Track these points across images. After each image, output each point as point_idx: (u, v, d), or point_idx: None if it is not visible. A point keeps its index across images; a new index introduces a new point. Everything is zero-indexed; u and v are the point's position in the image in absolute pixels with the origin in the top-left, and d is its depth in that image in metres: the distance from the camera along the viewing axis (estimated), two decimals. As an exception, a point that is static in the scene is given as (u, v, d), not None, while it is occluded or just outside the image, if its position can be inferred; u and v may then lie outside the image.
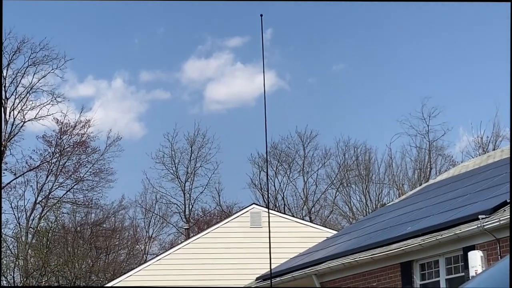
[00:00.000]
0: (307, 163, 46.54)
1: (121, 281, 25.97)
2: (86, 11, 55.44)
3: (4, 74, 38.32)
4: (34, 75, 38.98)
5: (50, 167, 40.07)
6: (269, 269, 19.73)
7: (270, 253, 10.78)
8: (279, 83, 55.58)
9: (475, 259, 12.65)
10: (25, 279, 36.49)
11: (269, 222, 24.81)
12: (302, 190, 46.37)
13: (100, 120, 56.25)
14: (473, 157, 35.14)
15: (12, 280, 37.16)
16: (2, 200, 39.45)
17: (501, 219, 12.06)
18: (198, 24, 59.75)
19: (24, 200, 40.69)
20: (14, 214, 39.97)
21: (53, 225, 39.43)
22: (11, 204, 40.61)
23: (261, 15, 9.27)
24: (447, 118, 63.95)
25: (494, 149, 37.19)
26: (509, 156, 18.18)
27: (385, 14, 55.69)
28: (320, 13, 56.92)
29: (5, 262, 37.70)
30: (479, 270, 12.31)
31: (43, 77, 39.11)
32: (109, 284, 26.54)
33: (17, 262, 37.93)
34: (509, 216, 11.88)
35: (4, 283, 36.61)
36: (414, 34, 56.59)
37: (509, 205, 12.47)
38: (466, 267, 12.95)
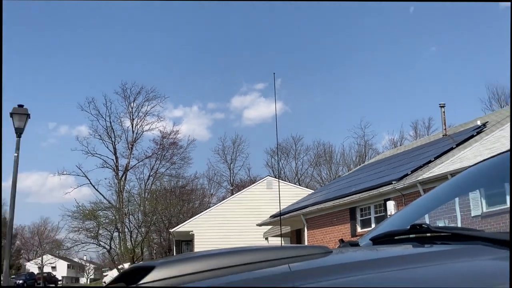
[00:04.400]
0: (297, 153, 55.55)
1: (196, 217, 30.05)
2: (180, 64, 78.34)
3: (132, 107, 48.74)
4: (148, 106, 50.03)
5: (157, 156, 49.06)
6: (277, 211, 21.93)
7: (279, 203, 17.29)
8: (284, 108, 71.62)
9: (390, 206, 14.01)
10: (144, 216, 41.49)
11: (279, 186, 26.61)
12: (294, 168, 56.05)
13: (186, 129, 73.53)
14: (388, 150, 37.57)
15: (138, 218, 42.52)
16: (129, 174, 46.97)
17: (404, 183, 14.06)
18: (240, 75, 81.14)
19: (143, 174, 52.89)
20: (138, 182, 48.82)
21: (158, 187, 46.62)
22: (137, 178, 54.62)
23: (274, 73, 11.14)
24: (374, 128, 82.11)
25: (401, 145, 39.77)
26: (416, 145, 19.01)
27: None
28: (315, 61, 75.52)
29: (132, 208, 41.87)
30: (392, 212, 13.44)
31: (153, 107, 50.65)
32: (191, 219, 30.01)
33: (140, 208, 42.23)
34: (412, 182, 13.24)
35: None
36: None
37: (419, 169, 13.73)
38: (385, 210, 14.77)
